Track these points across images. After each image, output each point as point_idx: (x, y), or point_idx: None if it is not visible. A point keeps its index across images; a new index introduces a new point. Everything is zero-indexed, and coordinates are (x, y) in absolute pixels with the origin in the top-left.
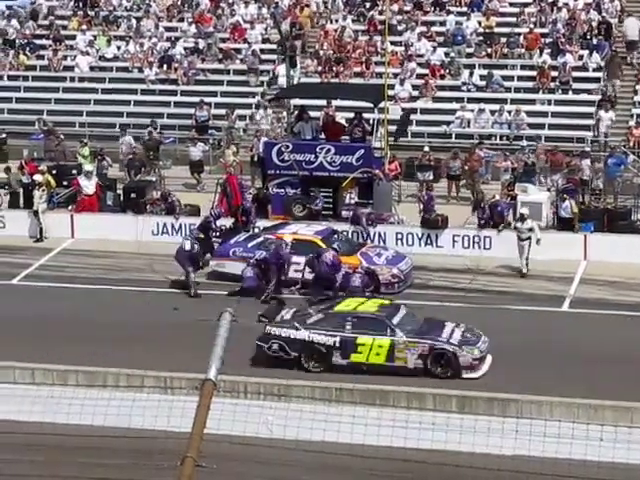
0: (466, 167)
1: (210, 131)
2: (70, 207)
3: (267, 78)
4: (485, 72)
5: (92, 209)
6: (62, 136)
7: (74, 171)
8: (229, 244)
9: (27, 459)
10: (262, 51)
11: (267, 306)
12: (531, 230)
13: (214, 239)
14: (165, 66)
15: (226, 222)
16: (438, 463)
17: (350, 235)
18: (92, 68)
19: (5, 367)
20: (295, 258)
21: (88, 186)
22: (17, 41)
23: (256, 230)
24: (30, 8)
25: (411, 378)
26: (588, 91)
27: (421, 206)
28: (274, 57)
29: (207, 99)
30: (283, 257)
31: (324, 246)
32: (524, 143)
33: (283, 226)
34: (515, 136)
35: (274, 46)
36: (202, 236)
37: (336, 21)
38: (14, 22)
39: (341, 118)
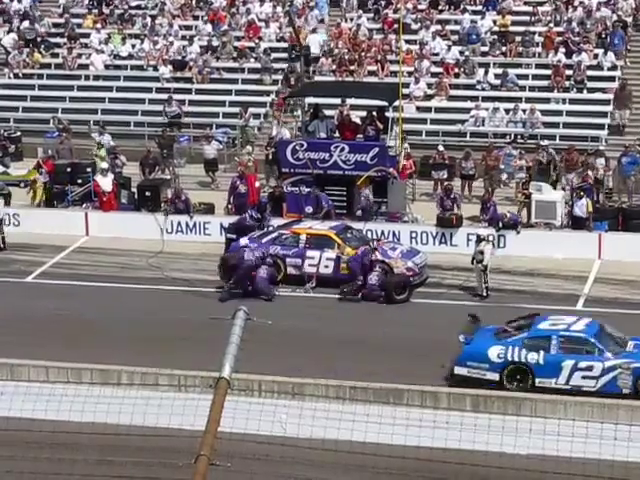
0: (483, 164)
1: (224, 129)
2: (84, 205)
3: (281, 76)
4: (500, 71)
5: (112, 206)
6: (67, 134)
7: (88, 169)
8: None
9: (43, 457)
10: (276, 49)
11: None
12: (482, 253)
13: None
14: (179, 65)
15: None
16: (452, 462)
17: (364, 232)
18: (107, 66)
19: (20, 365)
20: (310, 252)
21: (105, 184)
22: (29, 38)
23: (270, 228)
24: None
25: (425, 378)
26: (603, 90)
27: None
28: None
29: (222, 97)
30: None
31: (338, 240)
32: (545, 142)
33: (297, 222)
34: (530, 135)
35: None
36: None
37: (351, 20)
38: (26, 23)
39: (356, 117)
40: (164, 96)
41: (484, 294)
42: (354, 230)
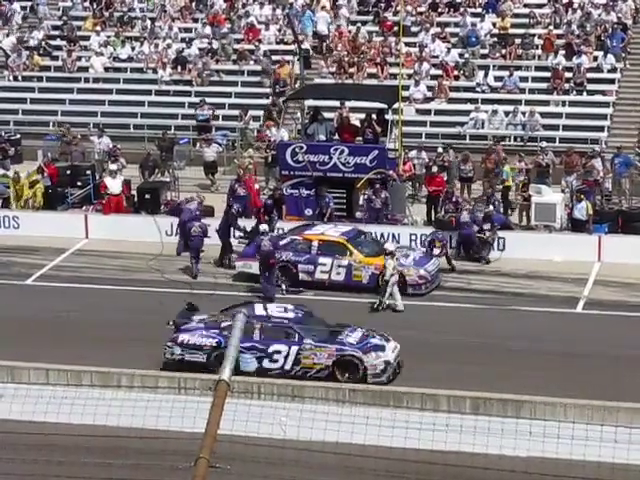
0: (482, 167)
1: (223, 132)
2: (84, 207)
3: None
4: (499, 73)
5: (119, 209)
6: (79, 136)
7: (88, 172)
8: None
9: (42, 459)
10: (276, 52)
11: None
12: (385, 268)
13: (240, 239)
14: (179, 67)
15: (248, 223)
16: (452, 464)
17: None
18: (106, 69)
19: (20, 367)
20: (322, 259)
21: (114, 185)
22: (32, 42)
23: (280, 232)
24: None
25: (425, 380)
26: (602, 92)
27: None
28: (288, 58)
29: (221, 100)
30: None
31: (351, 247)
32: (543, 144)
33: (310, 227)
34: (529, 137)
35: (288, 47)
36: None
37: (352, 23)
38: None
39: (355, 119)
40: (163, 99)
41: (401, 307)
42: (367, 235)
